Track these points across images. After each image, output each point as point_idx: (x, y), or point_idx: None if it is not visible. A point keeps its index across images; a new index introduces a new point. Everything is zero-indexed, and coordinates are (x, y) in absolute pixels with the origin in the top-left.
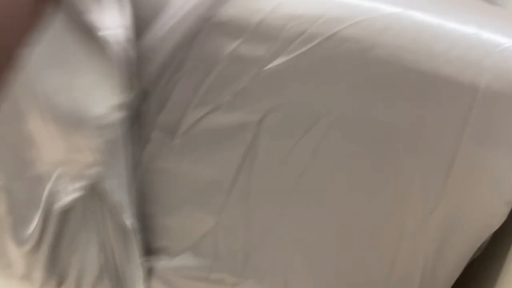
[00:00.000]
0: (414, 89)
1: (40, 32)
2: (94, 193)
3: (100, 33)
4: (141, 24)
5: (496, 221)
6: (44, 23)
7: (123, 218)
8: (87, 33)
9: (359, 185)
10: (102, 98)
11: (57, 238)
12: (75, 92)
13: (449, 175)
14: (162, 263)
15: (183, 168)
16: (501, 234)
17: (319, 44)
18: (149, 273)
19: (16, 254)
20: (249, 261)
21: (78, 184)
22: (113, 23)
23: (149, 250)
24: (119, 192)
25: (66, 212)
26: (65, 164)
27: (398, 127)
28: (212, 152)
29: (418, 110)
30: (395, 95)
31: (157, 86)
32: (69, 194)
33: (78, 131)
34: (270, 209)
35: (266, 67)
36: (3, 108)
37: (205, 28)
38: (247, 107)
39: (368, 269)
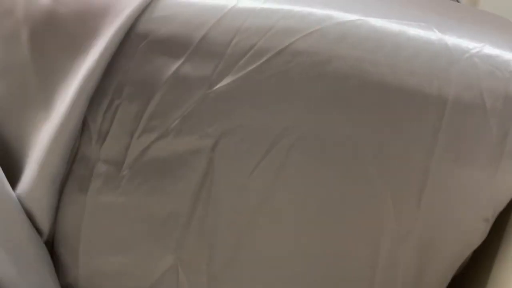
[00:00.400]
0: (377, 104)
1: None
2: None
3: None
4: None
5: (476, 239)
6: None
7: None
8: None
9: (327, 207)
10: None
11: None
12: None
13: (422, 195)
14: None
15: (134, 202)
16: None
17: (270, 59)
18: None
19: None
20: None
21: None
22: None
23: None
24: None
25: None
26: None
27: (363, 146)
28: (164, 183)
29: (383, 127)
30: (358, 111)
31: (96, 116)
32: None
33: None
34: (232, 238)
35: (214, 88)
36: None
37: (141, 48)
38: (197, 132)
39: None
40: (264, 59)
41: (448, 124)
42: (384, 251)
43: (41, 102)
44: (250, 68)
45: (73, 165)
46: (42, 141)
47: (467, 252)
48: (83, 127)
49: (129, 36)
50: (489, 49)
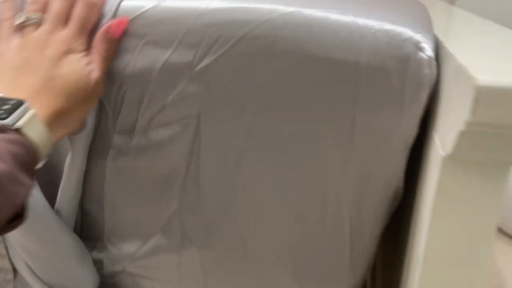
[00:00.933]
0: (313, 71)
1: None
2: None
3: None
4: None
5: (398, 167)
6: None
7: None
8: None
9: (287, 154)
10: None
11: None
12: None
13: (354, 135)
14: (134, 248)
15: (143, 163)
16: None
17: (234, 44)
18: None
19: None
20: (211, 234)
21: None
22: None
23: (123, 237)
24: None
25: None
26: None
27: (308, 103)
28: (165, 146)
29: (320, 87)
30: (300, 78)
31: (109, 99)
32: None
33: None
34: (221, 186)
35: (196, 69)
36: None
37: (141, 45)
38: (187, 104)
39: (306, 222)
40: (229, 44)
41: (364, 82)
42: (331, 187)
43: None
44: (220, 52)
45: (96, 137)
46: None
47: (394, 180)
48: (101, 108)
49: (131, 36)
50: (388, 26)
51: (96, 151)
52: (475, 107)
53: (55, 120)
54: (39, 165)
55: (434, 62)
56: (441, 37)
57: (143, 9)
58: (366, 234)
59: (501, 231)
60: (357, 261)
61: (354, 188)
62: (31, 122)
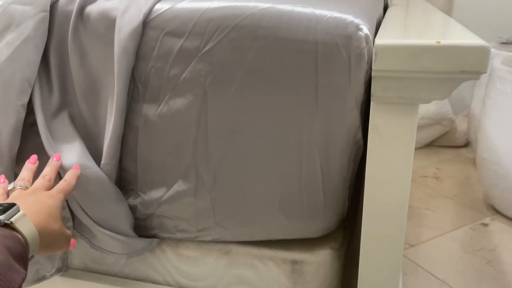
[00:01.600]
0: (285, 49)
1: None
2: None
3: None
4: None
5: (353, 120)
6: None
7: None
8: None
9: (270, 113)
10: None
11: None
12: None
13: (317, 97)
14: (161, 194)
15: (168, 124)
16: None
17: (228, 33)
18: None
19: None
20: (218, 179)
21: None
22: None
23: (152, 186)
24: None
25: None
26: None
27: (281, 74)
28: (182, 111)
29: (289, 62)
30: (275, 55)
31: (141, 76)
32: None
33: None
34: (223, 142)
35: (202, 51)
36: None
37: (162, 35)
38: (196, 78)
39: (288, 170)
40: (225, 32)
41: (321, 55)
42: (304, 137)
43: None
44: (219, 38)
45: (130, 107)
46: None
47: (353, 130)
48: (133, 84)
49: (154, 29)
50: (336, 14)
51: (130, 118)
52: (375, 59)
53: (43, 230)
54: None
55: (370, 38)
56: (383, 22)
57: (162, 10)
58: (335, 177)
59: (496, 211)
60: (330, 200)
61: (322, 139)
62: (22, 220)
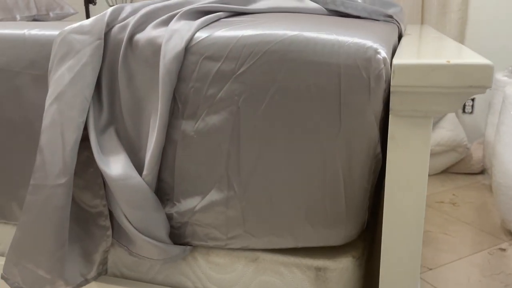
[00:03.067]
0: (312, 71)
1: None
2: None
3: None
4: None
5: (373, 134)
6: None
7: None
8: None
9: (296, 128)
10: None
11: None
12: None
13: (340, 113)
14: (195, 203)
15: (204, 138)
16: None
17: (260, 57)
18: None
19: None
20: (248, 189)
21: None
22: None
23: (187, 196)
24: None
25: None
26: None
27: (308, 93)
28: (217, 127)
29: (315, 82)
30: (302, 76)
31: (181, 94)
32: None
33: None
34: (253, 155)
35: (237, 73)
36: None
37: (201, 60)
38: (231, 97)
39: (313, 181)
40: (257, 57)
41: (344, 76)
42: (328, 150)
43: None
44: (252, 62)
45: (170, 123)
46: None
47: (372, 144)
48: (174, 102)
49: (194, 54)
50: (357, 40)
51: (169, 133)
52: (393, 76)
53: None
54: None
55: (387, 61)
56: (399, 47)
57: (201, 37)
58: (356, 187)
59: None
60: (351, 209)
61: (344, 152)
62: None
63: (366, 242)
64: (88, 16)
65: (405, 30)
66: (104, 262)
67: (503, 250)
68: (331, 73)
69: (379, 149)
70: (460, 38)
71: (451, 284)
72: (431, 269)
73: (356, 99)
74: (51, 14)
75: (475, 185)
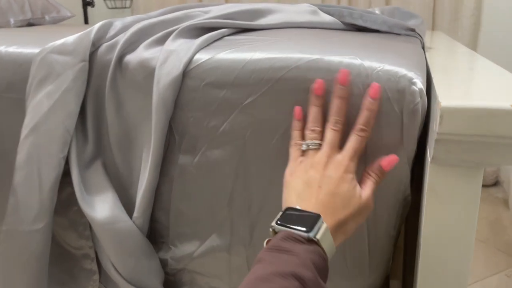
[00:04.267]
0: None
1: None
2: None
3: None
4: None
5: (403, 177)
6: None
7: None
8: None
9: None
10: None
11: None
12: None
13: (366, 153)
14: (193, 248)
15: (204, 175)
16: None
17: (272, 85)
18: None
19: None
20: (254, 233)
21: None
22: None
23: (184, 240)
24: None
25: None
26: None
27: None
28: (220, 162)
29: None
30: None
31: (177, 125)
32: None
33: None
34: (261, 194)
35: (244, 103)
36: None
37: (202, 86)
38: (236, 130)
39: None
40: (269, 85)
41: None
42: None
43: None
44: (262, 91)
45: (165, 157)
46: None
47: (402, 187)
48: (169, 133)
49: (194, 79)
50: (387, 67)
51: (165, 168)
52: (440, 122)
53: (337, 229)
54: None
55: (424, 93)
56: (433, 74)
57: (202, 60)
58: (382, 234)
59: None
60: (375, 259)
61: None
62: (325, 234)
63: None
64: (86, 20)
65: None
66: None
67: None
68: (357, 106)
69: (408, 191)
70: (473, 44)
71: None
72: None
73: (385, 137)
74: (46, 18)
75: (488, 198)
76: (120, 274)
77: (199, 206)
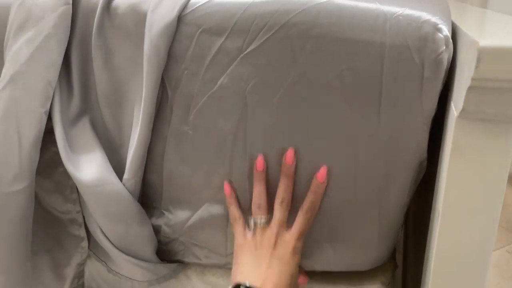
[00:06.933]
0: (343, 51)
1: None
2: None
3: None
4: None
5: (421, 140)
6: None
7: None
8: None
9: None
10: None
11: None
12: None
13: (380, 110)
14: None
15: (200, 135)
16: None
17: (277, 31)
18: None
19: None
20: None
21: None
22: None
23: (178, 205)
24: None
25: None
26: None
27: (338, 80)
28: (218, 119)
29: (349, 66)
30: (332, 58)
31: (171, 78)
32: None
33: None
34: (263, 148)
35: (245, 52)
36: None
37: (198, 33)
38: (236, 83)
39: (339, 190)
40: (273, 31)
41: (388, 59)
42: (361, 154)
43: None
44: (265, 37)
45: (157, 114)
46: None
47: (419, 151)
48: (162, 88)
49: (189, 26)
50: (408, 11)
51: (157, 126)
52: (477, 65)
53: None
54: None
55: (450, 41)
56: (458, 22)
57: (199, 4)
58: (393, 202)
59: None
60: (385, 228)
61: (382, 160)
62: None
63: (395, 261)
64: None
65: None
66: (79, 275)
67: None
68: (372, 55)
69: (425, 155)
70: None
71: None
72: None
73: (402, 92)
74: None
75: None
76: (109, 240)
77: (195, 169)
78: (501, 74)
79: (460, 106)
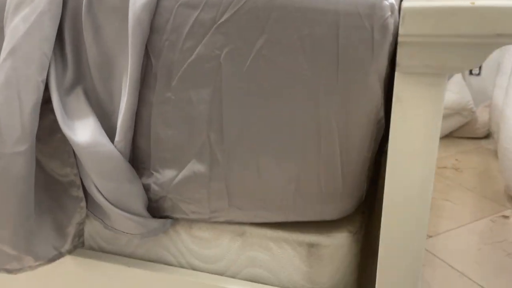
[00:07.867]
0: (303, 19)
1: None
2: None
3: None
4: None
5: (375, 96)
6: None
7: None
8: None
9: (288, 87)
10: None
11: None
12: None
13: (337, 69)
14: (174, 174)
15: (181, 100)
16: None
17: (245, 2)
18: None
19: None
20: (232, 158)
21: None
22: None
23: (165, 165)
24: None
25: None
26: None
27: (299, 44)
28: (196, 86)
29: (308, 32)
30: (293, 24)
31: (154, 48)
32: None
33: None
34: (238, 117)
35: (218, 22)
36: None
37: (176, 7)
38: (211, 51)
39: (305, 148)
40: (242, 2)
41: (343, 25)
42: (322, 112)
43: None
44: (235, 9)
45: (143, 82)
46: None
47: (374, 107)
48: (147, 58)
49: (169, 0)
50: None
51: (143, 93)
52: (402, 23)
53: None
54: None
55: (395, 7)
56: None
57: None
58: (355, 157)
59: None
60: (349, 181)
61: (341, 116)
62: None
63: (364, 214)
64: None
65: None
66: (79, 234)
67: (506, 217)
68: (328, 22)
69: (382, 113)
70: None
71: (451, 252)
72: (430, 236)
73: (356, 54)
74: None
75: (479, 150)
76: (104, 196)
77: (178, 131)
78: (422, 29)
79: (397, 61)
